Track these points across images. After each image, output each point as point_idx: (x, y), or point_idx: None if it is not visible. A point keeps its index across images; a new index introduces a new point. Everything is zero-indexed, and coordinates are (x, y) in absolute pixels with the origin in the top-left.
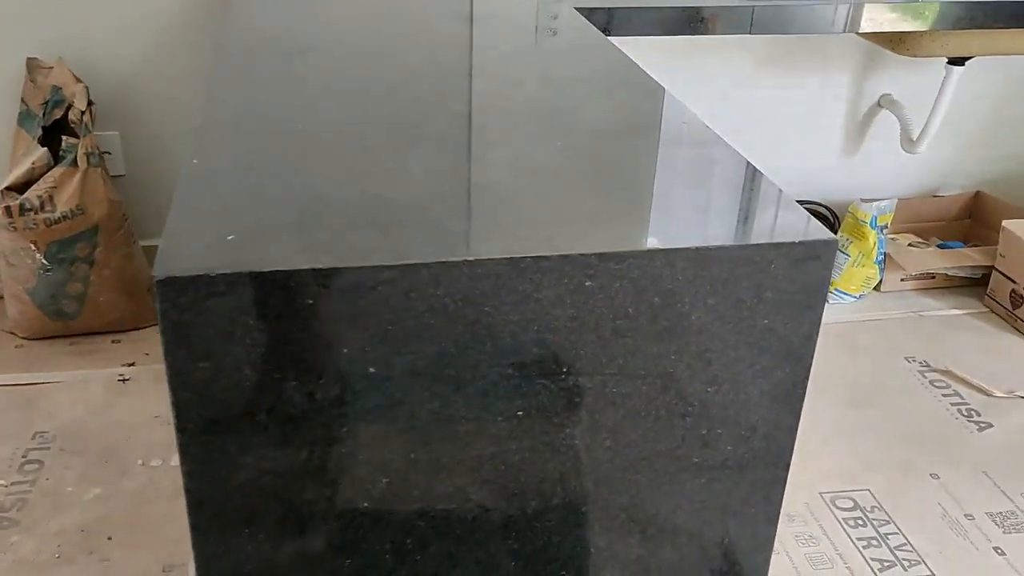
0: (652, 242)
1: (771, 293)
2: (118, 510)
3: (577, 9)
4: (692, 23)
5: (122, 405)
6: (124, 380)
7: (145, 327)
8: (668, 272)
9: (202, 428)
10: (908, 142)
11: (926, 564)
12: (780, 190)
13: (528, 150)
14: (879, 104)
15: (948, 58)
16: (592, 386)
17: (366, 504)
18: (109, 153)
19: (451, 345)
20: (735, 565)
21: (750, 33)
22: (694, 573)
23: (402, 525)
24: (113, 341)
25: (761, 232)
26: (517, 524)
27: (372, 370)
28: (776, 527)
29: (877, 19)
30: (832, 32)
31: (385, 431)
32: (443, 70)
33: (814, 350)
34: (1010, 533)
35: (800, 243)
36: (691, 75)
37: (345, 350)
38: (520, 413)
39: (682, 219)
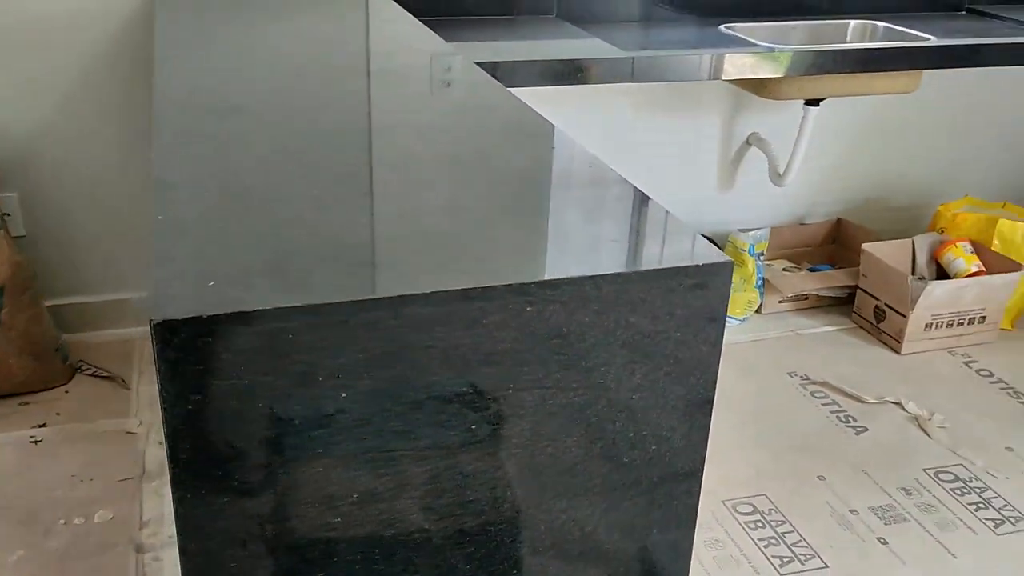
0: (580, 269)
1: (681, 309)
2: (44, 569)
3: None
4: (574, 74)
5: (37, 466)
6: (36, 442)
7: (53, 387)
8: (595, 295)
9: (192, 457)
10: (776, 176)
11: (820, 557)
12: (681, 221)
13: (455, 193)
14: (748, 142)
15: (805, 100)
16: (533, 399)
17: (337, 520)
18: (8, 215)
19: (409, 368)
20: (663, 554)
21: (632, 81)
22: (627, 563)
23: (369, 537)
24: (21, 404)
25: (670, 257)
26: (471, 530)
27: (343, 395)
28: (696, 515)
29: (738, 65)
30: (701, 79)
31: (354, 450)
32: (363, 123)
33: (720, 356)
34: (890, 524)
35: (703, 265)
36: (576, 120)
37: (320, 378)
38: (473, 427)
39: (600, 249)
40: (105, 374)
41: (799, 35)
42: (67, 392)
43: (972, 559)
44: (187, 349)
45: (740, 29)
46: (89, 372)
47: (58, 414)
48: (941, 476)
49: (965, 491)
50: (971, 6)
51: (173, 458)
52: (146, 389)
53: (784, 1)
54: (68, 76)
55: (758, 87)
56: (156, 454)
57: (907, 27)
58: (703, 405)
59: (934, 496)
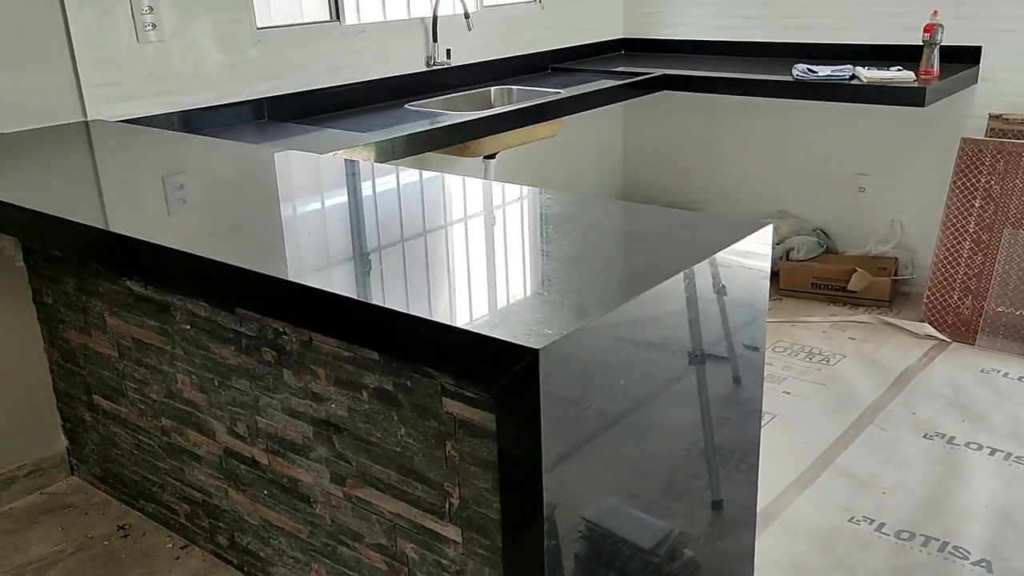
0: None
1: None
2: None
3: None
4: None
5: None
6: None
7: None
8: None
9: (560, 449)
10: None
11: None
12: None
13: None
14: None
15: (484, 155)
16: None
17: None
18: None
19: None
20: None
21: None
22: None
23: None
24: None
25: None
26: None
27: (622, 381)
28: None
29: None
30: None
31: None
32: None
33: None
34: None
35: (758, 223)
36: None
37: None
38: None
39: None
40: None
41: (463, 102)
42: None
43: None
44: (560, 368)
45: (422, 105)
46: None
47: None
48: None
49: None
50: (553, 66)
51: (546, 451)
52: None
53: (432, 82)
54: None
55: (462, 150)
56: None
57: (529, 87)
58: (761, 334)
59: None
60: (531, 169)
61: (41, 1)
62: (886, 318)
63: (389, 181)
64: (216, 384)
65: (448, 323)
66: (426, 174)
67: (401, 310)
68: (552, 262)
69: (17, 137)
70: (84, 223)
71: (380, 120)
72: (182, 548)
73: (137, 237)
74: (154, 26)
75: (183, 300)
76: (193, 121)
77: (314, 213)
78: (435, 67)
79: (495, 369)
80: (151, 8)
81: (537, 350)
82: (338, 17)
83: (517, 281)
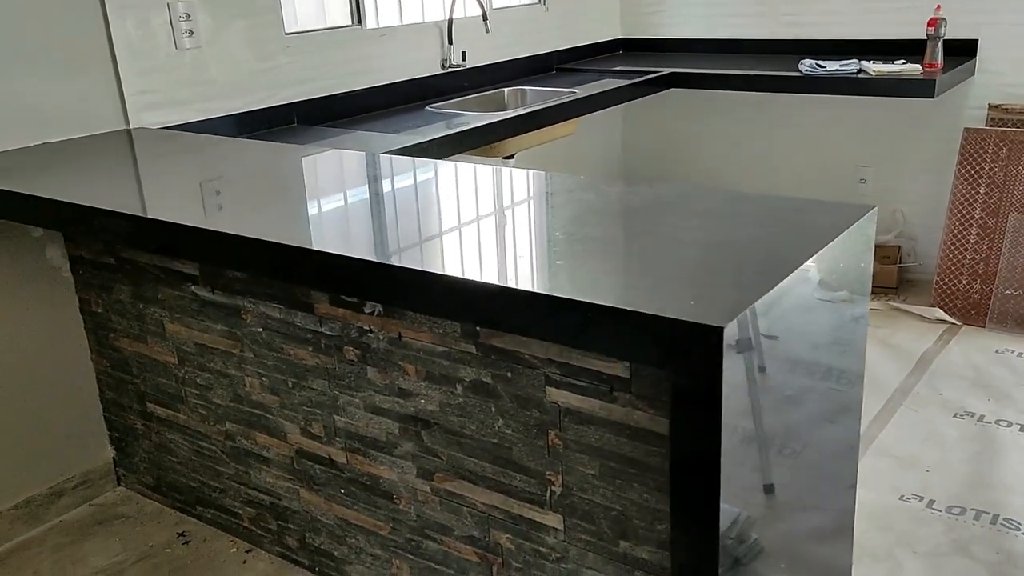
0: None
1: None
2: None
3: None
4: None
5: None
6: None
7: None
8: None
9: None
10: None
11: None
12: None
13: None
14: None
15: (503, 156)
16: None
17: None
18: None
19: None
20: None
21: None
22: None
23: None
24: None
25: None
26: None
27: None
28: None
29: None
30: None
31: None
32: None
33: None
34: None
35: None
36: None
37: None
38: None
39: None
40: None
41: (479, 103)
42: None
43: None
44: (742, 338)
45: (442, 107)
46: None
47: None
48: None
49: None
50: (558, 66)
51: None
52: None
53: (447, 83)
54: None
55: (487, 151)
56: None
57: (541, 87)
58: (862, 330)
59: None
60: (543, 168)
61: (85, 12)
62: (896, 304)
63: (484, 175)
64: (289, 385)
65: (625, 307)
66: (515, 170)
67: (578, 298)
68: (688, 248)
69: (66, 145)
70: (182, 223)
71: (407, 122)
72: (247, 552)
73: (235, 233)
74: (191, 33)
75: (255, 303)
76: (229, 127)
77: (406, 202)
78: (450, 69)
79: (674, 350)
80: (188, 15)
81: (722, 328)
82: (360, 21)
83: (661, 266)
